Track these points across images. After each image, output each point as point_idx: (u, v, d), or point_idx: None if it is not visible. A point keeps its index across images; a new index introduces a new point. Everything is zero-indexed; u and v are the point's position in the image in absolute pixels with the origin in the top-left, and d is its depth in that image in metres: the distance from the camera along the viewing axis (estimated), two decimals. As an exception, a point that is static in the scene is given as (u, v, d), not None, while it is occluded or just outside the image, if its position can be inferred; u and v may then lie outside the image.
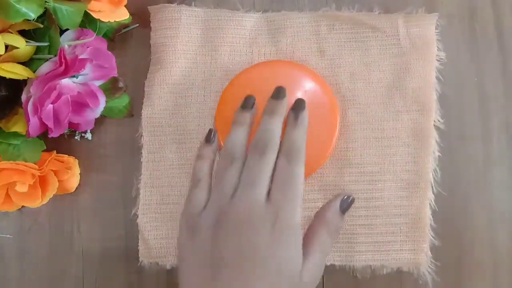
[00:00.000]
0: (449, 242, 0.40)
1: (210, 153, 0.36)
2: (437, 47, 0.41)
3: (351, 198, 0.35)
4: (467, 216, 0.40)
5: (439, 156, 0.40)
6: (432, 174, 0.40)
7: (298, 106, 0.35)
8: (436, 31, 0.41)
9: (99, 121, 0.40)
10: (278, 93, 0.35)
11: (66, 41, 0.36)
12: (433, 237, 0.39)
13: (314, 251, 0.32)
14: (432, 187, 0.40)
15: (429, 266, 0.39)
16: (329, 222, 0.34)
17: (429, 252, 0.39)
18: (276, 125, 0.34)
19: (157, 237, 0.40)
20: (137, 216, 0.40)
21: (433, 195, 0.40)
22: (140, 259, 0.40)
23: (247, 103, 0.36)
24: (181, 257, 0.33)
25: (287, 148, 0.33)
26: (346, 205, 0.35)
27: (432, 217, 0.40)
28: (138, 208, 0.40)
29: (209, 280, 0.30)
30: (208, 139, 0.36)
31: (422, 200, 0.39)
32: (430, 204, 0.40)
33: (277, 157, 0.33)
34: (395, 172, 0.40)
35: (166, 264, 0.40)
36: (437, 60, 0.41)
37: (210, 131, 0.36)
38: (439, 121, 0.40)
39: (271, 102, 0.35)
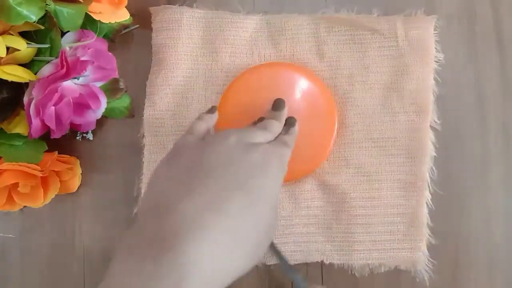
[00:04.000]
0: (446, 240, 0.40)
1: (209, 119, 0.35)
2: (436, 48, 0.41)
3: None
4: (464, 215, 0.41)
5: (437, 156, 0.41)
6: (429, 174, 0.40)
7: (290, 123, 0.36)
8: (435, 32, 0.41)
9: (100, 121, 0.40)
10: (278, 106, 0.37)
11: (67, 43, 0.36)
12: (430, 235, 0.40)
13: None
14: (429, 186, 0.40)
15: (426, 264, 0.40)
16: None
17: (426, 251, 0.40)
18: (276, 125, 0.35)
19: (158, 236, 0.40)
20: (139, 216, 0.40)
21: (430, 194, 0.40)
22: (142, 258, 0.40)
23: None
24: (155, 178, 0.30)
25: (279, 140, 0.34)
26: None
27: (429, 216, 0.40)
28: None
29: (189, 183, 0.27)
30: (210, 111, 0.36)
31: (419, 199, 0.40)
32: (427, 203, 0.40)
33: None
34: (392, 172, 0.40)
35: (167, 263, 0.40)
36: (435, 61, 0.41)
37: (212, 107, 0.36)
38: (436, 121, 0.41)
39: (272, 113, 0.37)
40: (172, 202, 0.26)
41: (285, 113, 0.37)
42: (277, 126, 0.34)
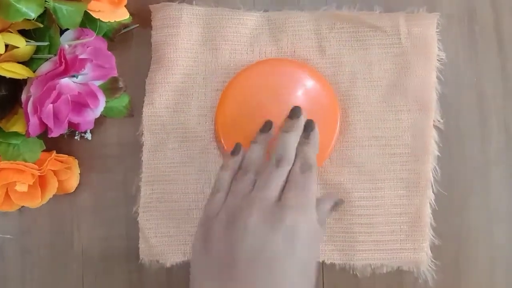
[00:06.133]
0: (449, 241, 0.40)
1: (233, 164, 0.36)
2: (438, 47, 0.41)
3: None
4: (467, 215, 0.40)
5: (439, 155, 0.40)
6: (432, 173, 0.40)
7: (309, 127, 0.36)
8: (436, 30, 0.41)
9: (99, 121, 0.40)
10: (294, 113, 0.37)
11: (66, 41, 0.36)
12: (433, 236, 0.40)
13: None
14: (432, 186, 0.40)
15: (429, 265, 0.39)
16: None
17: (429, 251, 0.39)
18: (292, 140, 0.35)
19: (157, 235, 0.40)
20: (138, 214, 0.40)
21: (433, 194, 0.40)
22: (141, 257, 0.40)
23: (265, 127, 0.38)
24: (194, 261, 0.33)
25: (301, 161, 0.34)
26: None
27: (432, 216, 0.40)
28: (138, 206, 0.40)
29: (221, 281, 0.30)
30: (233, 152, 0.37)
31: (422, 199, 0.40)
32: (430, 203, 0.40)
33: (291, 168, 0.34)
34: (395, 171, 0.40)
35: (166, 262, 0.40)
36: (437, 60, 0.41)
37: (237, 145, 0.37)
38: (439, 120, 0.40)
39: (288, 122, 0.37)
40: None
41: (302, 121, 0.37)
42: (291, 145, 0.35)
